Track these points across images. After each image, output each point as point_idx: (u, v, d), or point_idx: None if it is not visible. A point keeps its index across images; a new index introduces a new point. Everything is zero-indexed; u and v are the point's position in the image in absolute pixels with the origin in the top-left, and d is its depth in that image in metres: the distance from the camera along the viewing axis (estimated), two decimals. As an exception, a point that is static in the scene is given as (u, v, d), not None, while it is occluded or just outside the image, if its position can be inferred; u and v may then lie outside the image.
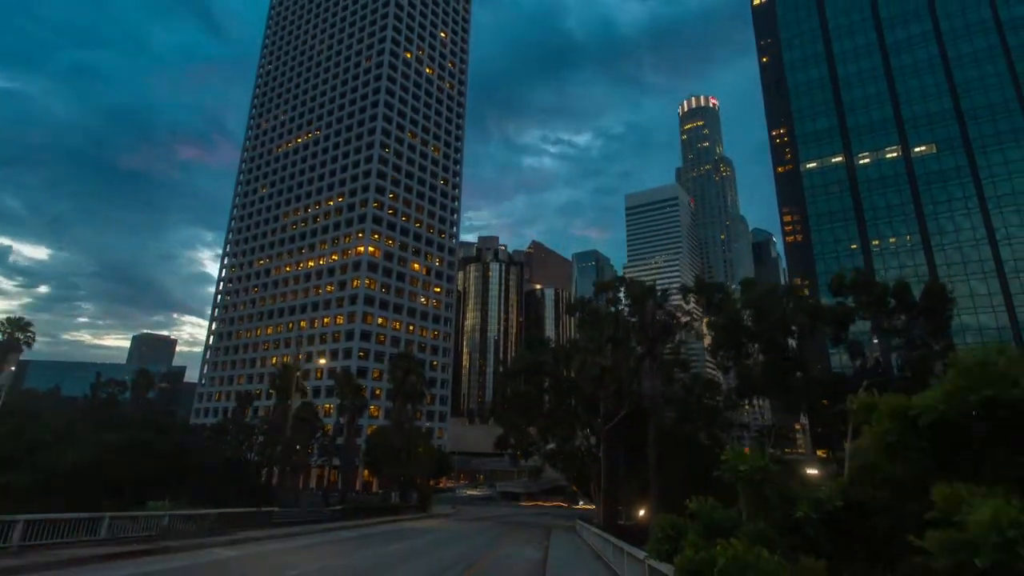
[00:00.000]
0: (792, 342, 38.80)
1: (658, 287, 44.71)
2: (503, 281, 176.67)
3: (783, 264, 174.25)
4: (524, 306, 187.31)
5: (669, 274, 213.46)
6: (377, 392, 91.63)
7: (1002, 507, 4.50)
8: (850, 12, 75.01)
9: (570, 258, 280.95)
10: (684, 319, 42.22)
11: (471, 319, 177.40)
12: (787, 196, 78.93)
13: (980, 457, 5.63)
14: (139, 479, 32.54)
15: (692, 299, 43.60)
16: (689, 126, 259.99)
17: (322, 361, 64.99)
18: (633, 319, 34.81)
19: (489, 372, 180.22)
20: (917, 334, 31.29)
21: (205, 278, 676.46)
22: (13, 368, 60.39)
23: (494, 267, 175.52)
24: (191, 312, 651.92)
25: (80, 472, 33.39)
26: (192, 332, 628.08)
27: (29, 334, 54.02)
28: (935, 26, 70.91)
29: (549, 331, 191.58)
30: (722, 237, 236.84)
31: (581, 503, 76.63)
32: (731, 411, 38.97)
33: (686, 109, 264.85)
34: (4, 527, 16.65)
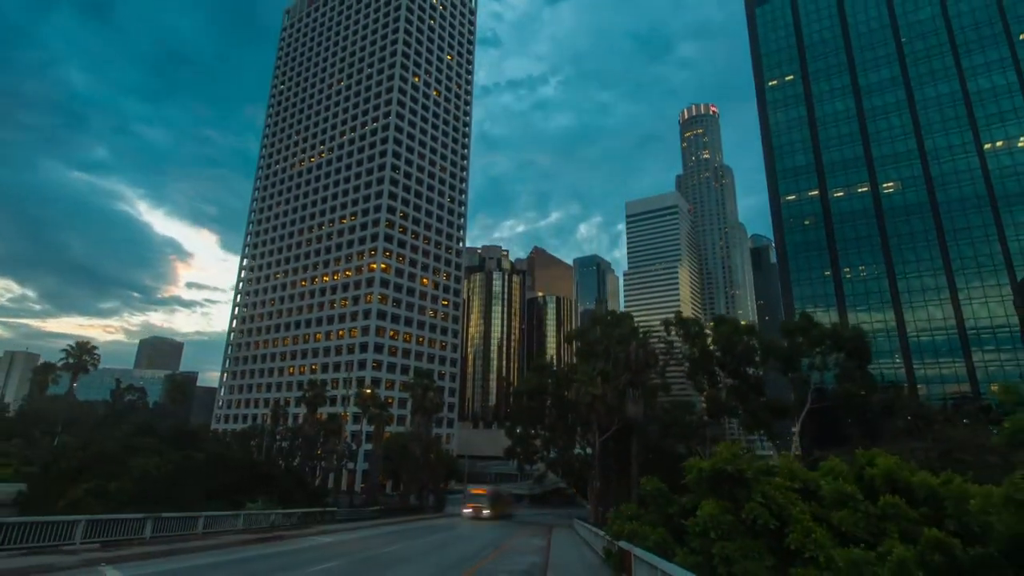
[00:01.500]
0: (753, 371, 47.48)
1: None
2: (506, 289, 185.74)
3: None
4: (526, 313, 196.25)
5: (668, 281, 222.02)
6: (389, 400, 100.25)
7: (710, 508, 13.23)
8: (827, 56, 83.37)
9: (571, 263, 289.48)
10: (662, 347, 51.03)
11: (475, 326, 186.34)
12: (778, 211, 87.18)
13: (723, 489, 14.33)
14: (223, 485, 41.15)
15: (673, 330, 52.34)
16: (689, 134, 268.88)
17: (368, 391, 73.06)
18: (621, 355, 43.38)
19: (492, 377, 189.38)
20: (843, 370, 39.94)
21: (146, 241, 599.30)
22: (75, 384, 69.06)
23: (497, 276, 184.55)
24: (138, 288, 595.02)
25: (172, 480, 42.03)
26: (146, 319, 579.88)
27: (96, 355, 62.87)
28: (903, 71, 79.25)
29: (551, 337, 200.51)
30: (721, 244, 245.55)
31: (579, 503, 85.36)
32: (704, 428, 47.57)
33: (686, 117, 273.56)
34: (189, 521, 25.37)
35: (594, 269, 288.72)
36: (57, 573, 14.81)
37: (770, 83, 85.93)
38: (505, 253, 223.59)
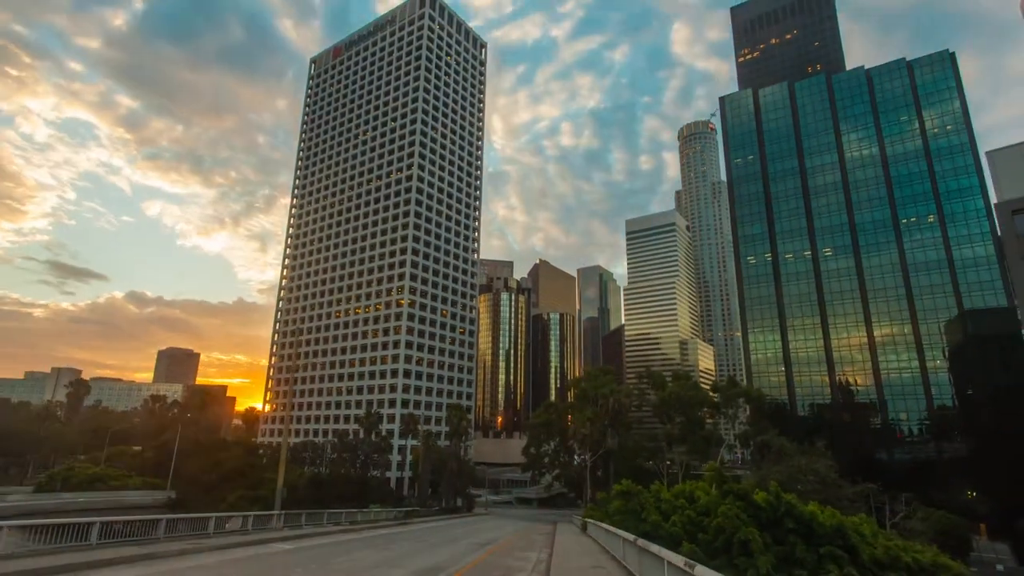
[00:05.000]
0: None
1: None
2: (513, 308, 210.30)
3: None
4: (531, 329, 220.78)
5: (666, 294, 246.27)
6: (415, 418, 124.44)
7: (616, 504, 37.93)
8: (780, 141, 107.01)
9: (574, 274, 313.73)
10: (636, 394, 75.51)
11: (484, 342, 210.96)
12: (739, 270, 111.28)
13: (624, 497, 38.86)
14: (344, 493, 65.40)
15: (645, 382, 76.76)
16: (688, 151, 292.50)
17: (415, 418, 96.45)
18: (603, 404, 67.70)
19: (500, 388, 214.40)
20: (752, 419, 64.20)
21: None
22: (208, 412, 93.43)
23: (504, 297, 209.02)
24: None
25: (306, 487, 66.32)
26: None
27: (204, 396, 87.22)
28: (840, 156, 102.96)
29: (554, 351, 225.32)
30: (718, 257, 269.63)
31: (578, 505, 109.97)
32: (662, 452, 71.82)
33: (685, 134, 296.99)
34: (364, 513, 49.37)
35: (596, 280, 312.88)
36: (337, 534, 38.67)
37: (735, 160, 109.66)
38: (510, 266, 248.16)
